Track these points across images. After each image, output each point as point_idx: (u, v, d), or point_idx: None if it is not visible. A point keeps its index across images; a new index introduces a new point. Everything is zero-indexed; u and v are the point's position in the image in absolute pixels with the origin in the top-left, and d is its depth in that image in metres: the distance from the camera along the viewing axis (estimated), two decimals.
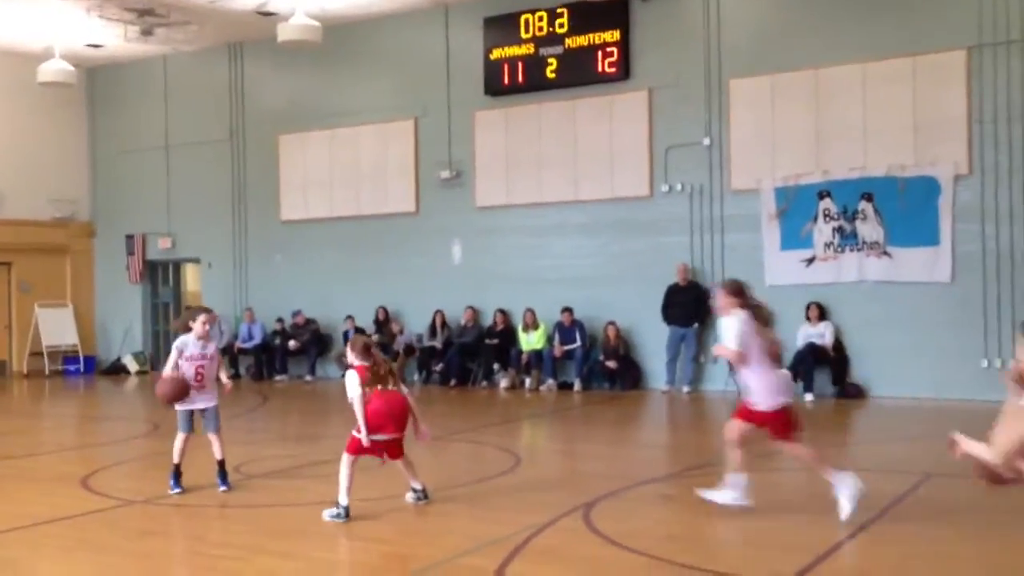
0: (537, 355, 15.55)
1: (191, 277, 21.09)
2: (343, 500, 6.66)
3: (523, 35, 16.07)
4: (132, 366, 19.95)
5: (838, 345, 13.74)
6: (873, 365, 13.52)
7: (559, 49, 15.80)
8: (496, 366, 15.89)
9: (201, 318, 7.59)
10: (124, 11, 16.44)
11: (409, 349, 16.70)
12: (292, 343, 17.69)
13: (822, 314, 13.84)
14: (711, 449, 10.58)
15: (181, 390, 7.47)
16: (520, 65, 16.13)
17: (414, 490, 7.17)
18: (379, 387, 6.84)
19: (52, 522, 6.85)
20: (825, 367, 13.70)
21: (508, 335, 15.94)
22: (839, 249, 13.85)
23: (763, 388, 6.61)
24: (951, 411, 11.94)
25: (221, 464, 7.74)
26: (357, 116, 17.73)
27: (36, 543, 6.34)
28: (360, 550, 6.34)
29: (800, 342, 13.75)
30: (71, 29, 17.42)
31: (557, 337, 15.44)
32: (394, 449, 6.95)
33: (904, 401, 12.94)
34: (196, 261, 20.22)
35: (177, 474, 7.68)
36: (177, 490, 7.59)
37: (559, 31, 15.78)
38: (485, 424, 12.08)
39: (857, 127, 13.68)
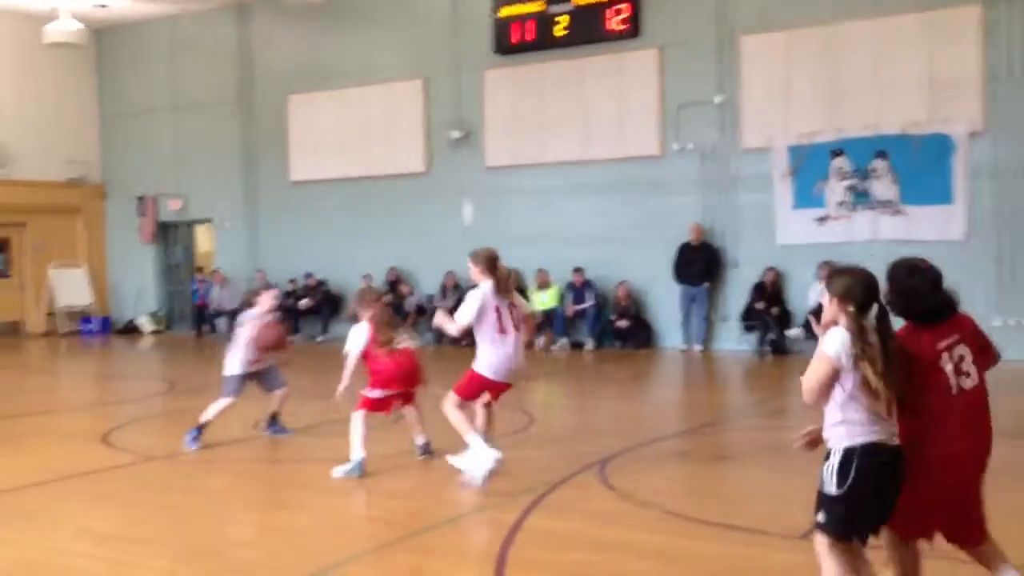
0: (549, 315, 15.60)
1: (203, 238, 21.15)
2: (356, 455, 6.74)
3: None
4: (146, 326, 20.10)
5: None
6: None
7: (568, 6, 15.64)
8: None
9: (266, 294, 8.17)
10: None
11: (420, 310, 16.77)
12: (304, 302, 17.78)
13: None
14: (724, 406, 10.69)
15: (282, 339, 8.06)
16: (529, 23, 15.99)
17: (418, 445, 7.26)
18: (389, 346, 6.88)
19: (74, 477, 6.97)
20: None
21: (520, 295, 15.94)
22: (852, 208, 13.80)
23: (482, 358, 6.59)
24: None
25: (275, 415, 8.20)
26: (366, 76, 17.64)
27: (59, 496, 6.46)
28: (377, 505, 6.45)
29: (811, 301, 13.74)
30: None
31: (570, 296, 15.49)
32: (406, 400, 7.07)
33: None
34: (207, 222, 20.26)
35: (199, 431, 7.77)
36: (194, 447, 7.67)
37: None
38: None
39: (871, 84, 13.56)
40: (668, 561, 4.94)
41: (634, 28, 15.19)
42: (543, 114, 16.08)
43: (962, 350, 3.83)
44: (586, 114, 15.73)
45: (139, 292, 20.62)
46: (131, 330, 20.07)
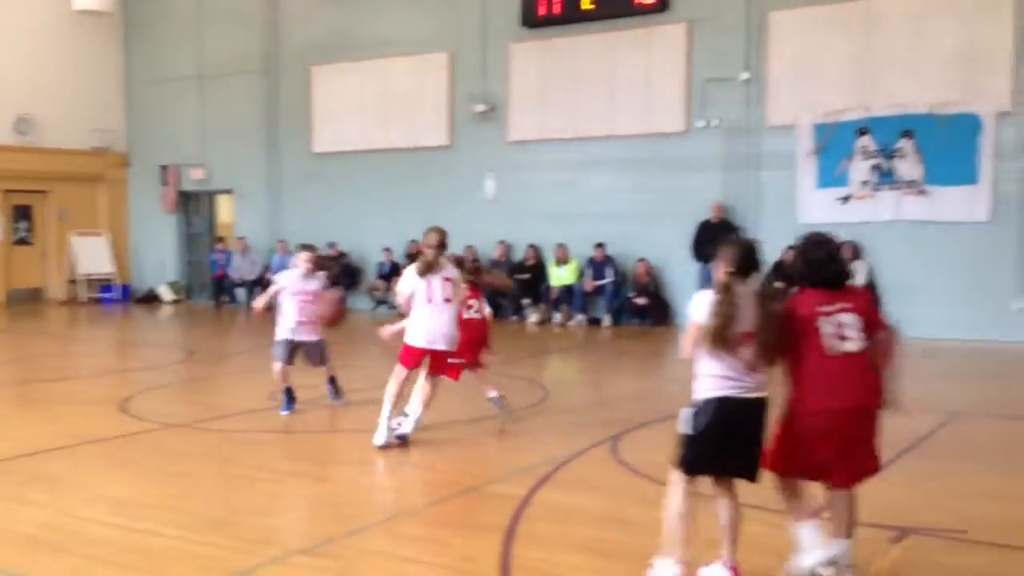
0: (567, 290, 15.58)
1: (224, 208, 21.24)
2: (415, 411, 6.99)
3: None
4: (166, 295, 20.24)
5: (871, 284, 13.61)
6: (906, 305, 13.35)
7: None
8: (526, 301, 15.95)
9: (304, 256, 8.03)
10: None
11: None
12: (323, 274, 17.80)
13: (856, 253, 13.69)
14: None
15: (340, 314, 7.99)
16: None
17: (492, 398, 7.51)
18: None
19: (92, 442, 7.06)
20: None
21: (539, 270, 15.97)
22: (876, 187, 13.65)
23: (409, 327, 6.97)
24: (982, 352, 11.88)
25: (332, 380, 8.27)
26: (391, 48, 17.58)
27: (78, 461, 6.55)
28: (392, 475, 6.49)
29: None
30: None
31: (589, 272, 15.46)
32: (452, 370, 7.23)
33: (936, 342, 12.85)
34: (229, 192, 20.34)
35: (290, 395, 7.92)
36: (288, 410, 7.86)
37: None
38: (515, 358, 12.17)
39: (900, 62, 13.36)
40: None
41: (663, 2, 15.03)
42: (568, 89, 15.97)
43: (847, 318, 4.14)
44: (611, 89, 15.61)
45: (160, 261, 20.77)
46: (151, 299, 20.23)
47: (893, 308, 13.50)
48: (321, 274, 8.13)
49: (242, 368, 11.22)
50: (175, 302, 20.09)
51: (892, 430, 7.48)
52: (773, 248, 14.23)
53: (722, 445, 4.16)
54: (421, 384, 7.06)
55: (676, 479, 4.23)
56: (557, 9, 15.90)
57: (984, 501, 5.66)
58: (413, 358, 6.91)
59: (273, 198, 19.28)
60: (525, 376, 10.24)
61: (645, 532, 5.03)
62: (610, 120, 15.66)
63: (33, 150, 19.24)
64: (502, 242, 16.46)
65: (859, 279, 13.55)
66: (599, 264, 15.40)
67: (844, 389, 4.12)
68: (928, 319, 13.17)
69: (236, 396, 8.05)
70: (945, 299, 13.04)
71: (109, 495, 5.68)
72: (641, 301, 15.04)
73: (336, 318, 7.99)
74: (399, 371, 6.90)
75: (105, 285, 20.28)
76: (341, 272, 17.84)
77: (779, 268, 14.04)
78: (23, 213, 19.97)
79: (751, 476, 4.24)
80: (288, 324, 7.89)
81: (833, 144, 13.87)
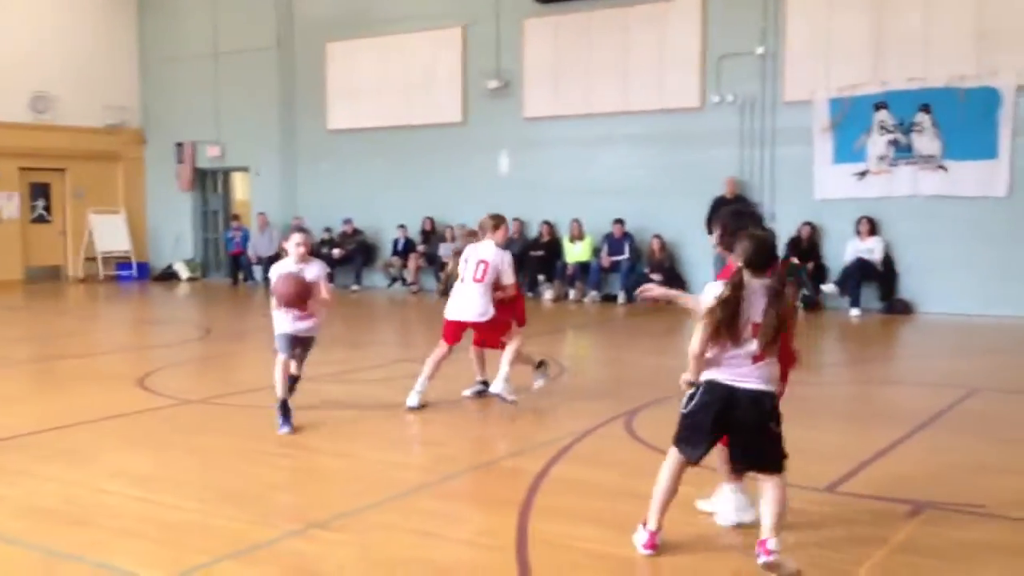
0: (582, 267, 15.57)
1: (240, 185, 21.30)
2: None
3: None
4: (183, 272, 20.36)
5: (887, 260, 13.56)
6: (922, 280, 13.36)
7: None
8: (541, 277, 15.95)
9: (295, 239, 6.80)
10: None
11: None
12: (337, 251, 17.88)
13: (872, 229, 13.63)
14: None
15: (302, 291, 6.58)
16: None
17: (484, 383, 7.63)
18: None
19: (111, 418, 7.13)
20: (873, 282, 13.55)
21: (554, 247, 15.96)
22: (893, 162, 13.55)
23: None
24: (1000, 327, 11.82)
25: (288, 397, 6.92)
26: (406, 24, 17.52)
27: (97, 436, 6.62)
28: (408, 451, 6.54)
29: (849, 257, 13.59)
30: None
31: (606, 248, 15.44)
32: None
33: (953, 317, 12.80)
34: (245, 170, 20.38)
35: (285, 410, 6.69)
36: (286, 429, 6.59)
37: None
38: (530, 334, 12.15)
39: (917, 35, 13.22)
40: (690, 511, 4.96)
41: None
42: (582, 65, 15.90)
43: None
44: (626, 65, 15.52)
45: (177, 238, 20.87)
46: (168, 276, 20.36)
47: (910, 283, 13.50)
48: (317, 262, 6.90)
49: (259, 345, 11.27)
50: (191, 280, 20.21)
51: (910, 405, 7.51)
52: (789, 224, 14.24)
53: (713, 429, 4.26)
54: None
55: (670, 454, 4.44)
56: None
57: (1002, 476, 5.66)
58: (446, 332, 7.48)
59: (288, 175, 19.32)
60: (541, 353, 10.24)
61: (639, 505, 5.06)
62: (624, 96, 15.58)
63: (50, 127, 19.34)
64: (516, 219, 16.44)
65: (875, 255, 13.51)
66: (617, 240, 15.38)
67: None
68: (945, 294, 13.11)
69: (253, 372, 8.10)
70: (962, 274, 12.98)
71: (129, 469, 5.74)
72: (656, 277, 14.98)
73: (295, 298, 6.57)
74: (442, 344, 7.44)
75: (122, 263, 20.42)
76: (356, 249, 17.91)
77: (796, 243, 14.00)
78: (41, 191, 20.11)
79: (769, 468, 4.20)
80: (287, 317, 6.78)
81: (850, 119, 13.77)
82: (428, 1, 17.38)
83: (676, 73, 15.11)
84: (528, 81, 16.47)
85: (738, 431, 4.25)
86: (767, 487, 4.21)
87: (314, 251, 18.12)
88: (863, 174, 13.79)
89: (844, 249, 13.66)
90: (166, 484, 5.44)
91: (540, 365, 7.77)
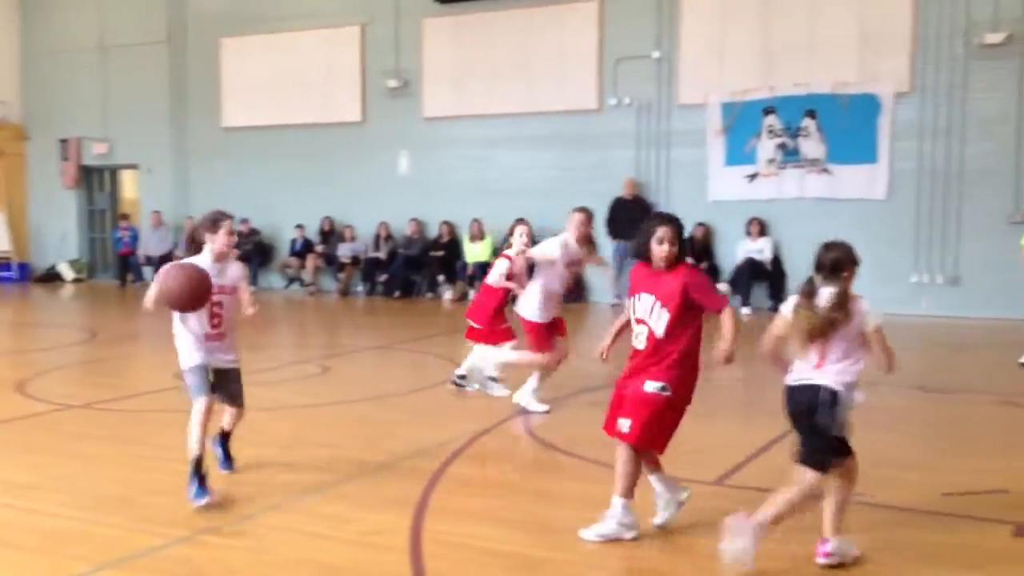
0: (483, 267, 15.58)
1: (128, 183, 20.60)
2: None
3: None
4: (67, 273, 19.58)
5: (776, 260, 14.00)
6: None
7: None
8: (441, 278, 15.92)
9: (226, 225, 5.24)
10: None
11: (355, 260, 16.65)
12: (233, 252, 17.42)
13: (762, 230, 14.05)
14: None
15: (201, 285, 4.92)
16: None
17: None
18: None
19: None
20: (764, 281, 13.97)
21: (454, 247, 15.94)
22: (781, 165, 14.00)
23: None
24: (882, 325, 12.32)
25: (226, 435, 5.63)
26: (302, 21, 17.25)
27: None
28: (303, 454, 6.42)
29: (740, 257, 13.98)
30: None
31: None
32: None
33: None
34: (134, 167, 19.73)
35: (199, 474, 4.98)
36: (203, 500, 4.92)
37: None
38: (429, 335, 12.16)
39: (803, 43, 13.69)
40: (589, 507, 5.02)
41: None
42: (483, 65, 15.93)
43: None
44: (526, 66, 15.63)
45: (62, 238, 20.06)
46: (52, 278, 19.55)
47: (798, 282, 13.92)
48: (237, 264, 5.45)
49: (147, 349, 10.94)
50: (77, 281, 19.45)
51: None
52: (687, 224, 14.53)
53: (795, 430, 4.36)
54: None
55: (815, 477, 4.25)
56: None
57: (881, 467, 5.89)
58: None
59: (180, 173, 18.79)
60: (440, 353, 10.24)
61: (557, 504, 5.12)
62: (525, 97, 15.69)
63: None
64: (415, 219, 16.38)
65: (765, 255, 13.93)
66: None
67: None
68: None
69: (140, 377, 7.84)
70: None
71: (6, 478, 5.49)
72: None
73: (188, 299, 4.91)
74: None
75: (2, 263, 19.51)
76: (253, 249, 17.54)
77: (690, 244, 14.33)
78: None
79: (812, 464, 4.20)
80: (195, 341, 5.15)
81: (741, 123, 14.17)
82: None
83: (575, 75, 15.30)
84: (428, 81, 16.42)
85: (799, 426, 4.37)
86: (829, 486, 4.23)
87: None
88: (753, 176, 14.21)
89: (735, 249, 14.05)
90: (46, 492, 5.22)
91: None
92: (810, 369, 4.28)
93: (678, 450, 6.32)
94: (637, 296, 4.62)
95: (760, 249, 13.94)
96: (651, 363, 4.55)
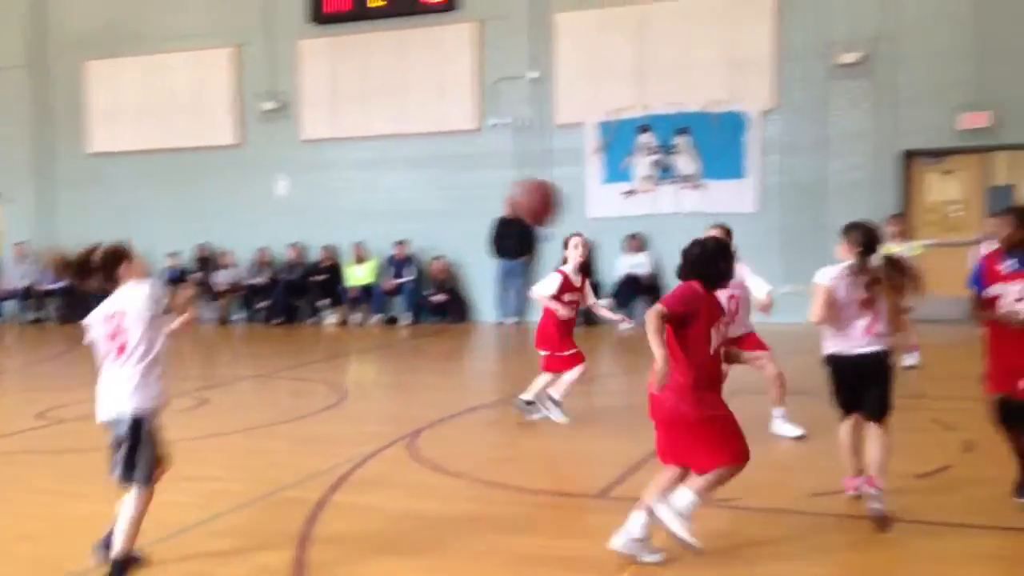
0: (365, 290, 15.45)
1: None
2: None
3: None
4: None
5: (655, 275, 14.34)
6: None
7: None
8: (323, 302, 15.69)
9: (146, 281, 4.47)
10: None
11: (234, 287, 16.25)
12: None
13: (641, 245, 14.38)
14: (534, 377, 10.90)
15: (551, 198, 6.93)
16: None
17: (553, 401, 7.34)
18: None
19: None
20: (643, 296, 14.27)
21: (335, 271, 15.74)
22: (657, 182, 14.37)
23: None
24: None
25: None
26: (173, 43, 16.79)
27: None
28: (180, 489, 6.19)
29: (620, 272, 14.26)
30: None
31: (392, 270, 15.40)
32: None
33: None
34: None
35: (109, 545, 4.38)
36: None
37: None
38: (311, 360, 11.96)
39: (675, 63, 14.12)
40: (477, 528, 5.02)
41: (451, 1, 15.18)
42: (361, 86, 15.84)
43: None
44: (405, 87, 15.61)
45: None
46: None
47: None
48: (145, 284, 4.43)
49: (10, 388, 10.41)
50: None
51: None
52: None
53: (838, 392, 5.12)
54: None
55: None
56: (345, 6, 15.74)
57: (753, 469, 6.07)
58: None
59: (45, 202, 17.98)
60: (322, 379, 10.08)
61: (442, 527, 5.08)
62: (404, 118, 15.67)
63: None
64: (295, 244, 16.12)
65: (644, 269, 14.25)
66: (399, 262, 15.38)
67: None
68: None
69: (8, 411, 7.44)
70: None
71: None
72: (439, 298, 15.14)
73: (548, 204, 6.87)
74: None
75: None
76: None
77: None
78: None
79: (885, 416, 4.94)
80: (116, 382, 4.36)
81: (617, 141, 14.50)
82: (197, 20, 16.75)
83: (453, 96, 15.37)
84: (305, 102, 16.23)
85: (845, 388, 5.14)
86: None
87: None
88: (630, 193, 14.54)
89: (615, 265, 14.33)
90: None
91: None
92: (864, 336, 4.89)
93: (560, 464, 6.41)
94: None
95: (639, 264, 14.25)
96: None
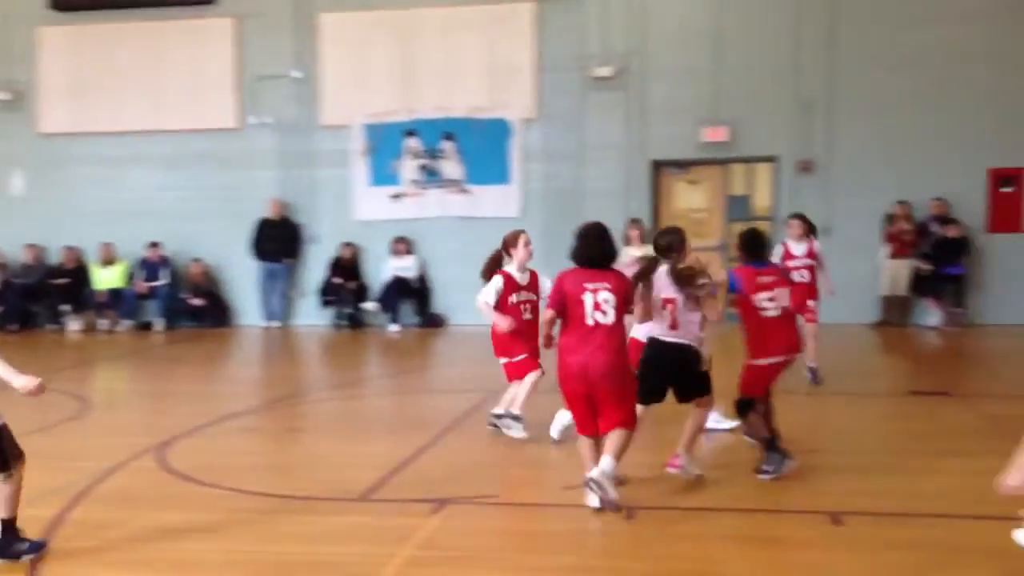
0: (114, 294, 14.49)
1: None
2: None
3: None
4: None
5: (422, 277, 14.42)
6: (453, 295, 14.38)
7: None
8: (66, 307, 14.55)
9: None
10: None
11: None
12: None
13: (408, 248, 14.42)
14: (299, 380, 10.69)
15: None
16: None
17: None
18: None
19: None
20: (411, 298, 14.33)
21: (80, 273, 14.65)
22: (424, 186, 14.46)
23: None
24: None
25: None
26: None
27: None
28: None
29: (387, 275, 14.23)
30: None
31: (143, 273, 14.52)
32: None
33: (477, 328, 13.90)
34: None
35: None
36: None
37: None
38: (52, 369, 11.05)
39: (440, 69, 14.26)
40: (225, 537, 4.83)
41: None
42: (109, 79, 14.87)
43: (608, 296, 5.07)
44: (158, 82, 14.80)
45: None
46: None
47: (442, 298, 14.47)
48: None
49: None
50: None
51: (439, 412, 8.02)
52: (331, 245, 14.54)
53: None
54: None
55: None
56: None
57: (511, 467, 6.26)
58: None
59: None
60: (63, 389, 9.34)
61: (185, 539, 4.86)
62: (158, 114, 14.87)
63: None
64: (32, 245, 14.88)
65: (411, 272, 14.30)
66: (153, 264, 14.55)
67: (590, 353, 5.04)
68: (471, 307, 14.07)
69: None
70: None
71: None
72: (197, 302, 14.47)
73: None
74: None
75: None
76: None
77: (338, 263, 14.35)
78: None
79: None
80: None
81: (384, 144, 14.45)
82: None
83: (212, 92, 14.74)
84: (44, 94, 15.02)
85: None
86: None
87: None
88: (398, 196, 14.54)
89: (383, 268, 14.28)
90: None
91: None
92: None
93: (321, 469, 6.30)
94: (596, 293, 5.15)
95: (407, 267, 14.27)
96: None
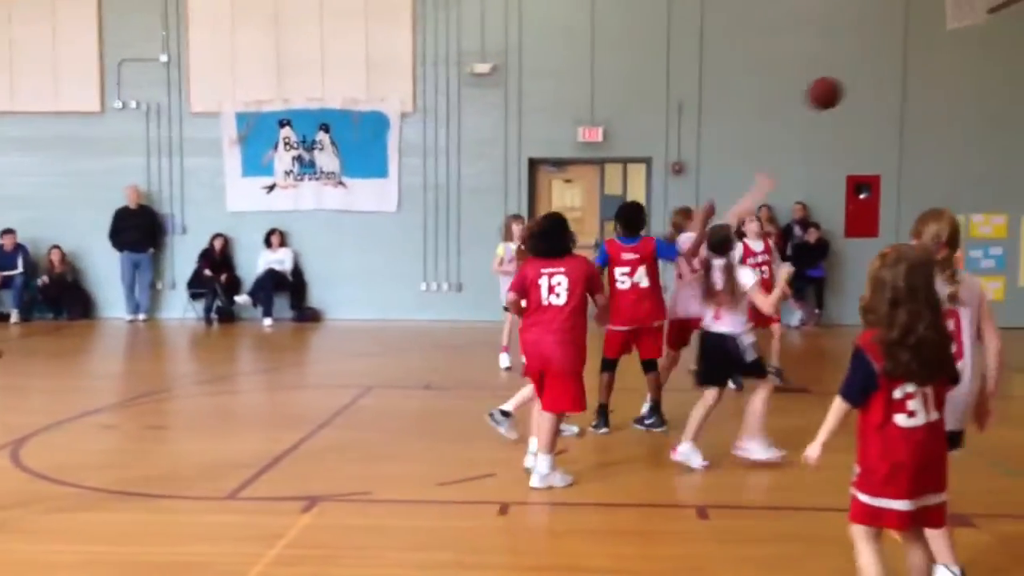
0: None
1: None
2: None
3: None
4: None
5: (297, 271, 14.15)
6: (328, 289, 14.17)
7: None
8: None
9: None
10: None
11: None
12: None
13: (283, 240, 14.11)
14: (165, 375, 10.31)
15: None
16: None
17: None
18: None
19: None
20: (284, 292, 14.03)
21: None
22: (299, 177, 14.17)
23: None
24: (393, 330, 13.05)
25: None
26: None
27: None
28: None
29: (261, 268, 13.89)
30: None
31: None
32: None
33: (354, 322, 13.78)
34: None
35: None
36: None
37: None
38: None
39: (315, 59, 13.99)
40: (81, 539, 4.63)
41: None
42: None
43: (560, 279, 5.48)
44: (10, 61, 14.02)
45: None
46: None
47: (318, 292, 14.24)
48: None
49: None
50: None
51: (315, 407, 7.88)
52: (202, 236, 14.09)
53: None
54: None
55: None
56: None
57: (387, 463, 6.22)
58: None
59: None
60: None
61: (38, 540, 4.64)
62: (12, 95, 14.10)
63: None
64: None
65: (286, 265, 14.00)
66: (8, 254, 13.77)
67: (544, 332, 5.47)
68: (347, 301, 14.06)
69: None
70: (362, 282, 14.02)
71: None
72: (56, 293, 13.78)
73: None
74: None
75: None
76: None
77: (209, 255, 13.91)
78: None
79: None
80: None
81: (257, 133, 14.09)
82: None
83: (71, 74, 14.04)
84: None
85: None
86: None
87: None
88: (272, 187, 14.20)
89: (256, 260, 13.93)
90: None
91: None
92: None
93: (186, 467, 6.10)
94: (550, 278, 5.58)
95: (281, 260, 13.96)
96: None
